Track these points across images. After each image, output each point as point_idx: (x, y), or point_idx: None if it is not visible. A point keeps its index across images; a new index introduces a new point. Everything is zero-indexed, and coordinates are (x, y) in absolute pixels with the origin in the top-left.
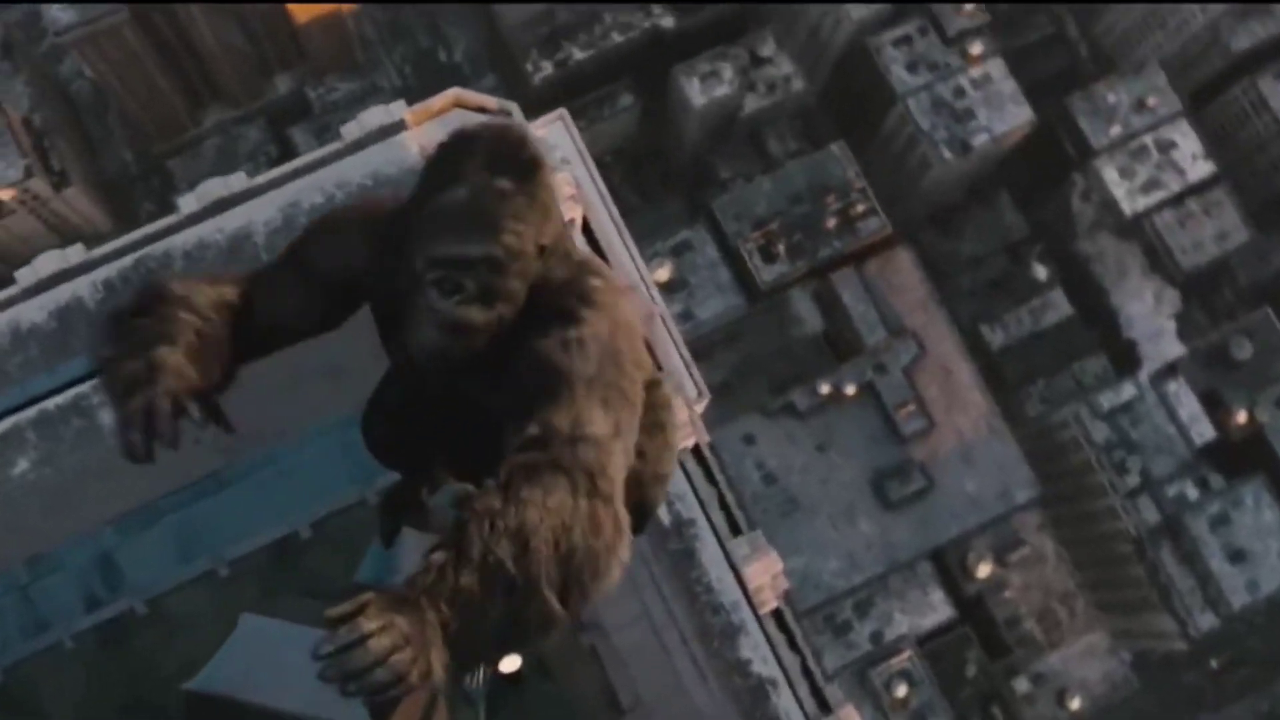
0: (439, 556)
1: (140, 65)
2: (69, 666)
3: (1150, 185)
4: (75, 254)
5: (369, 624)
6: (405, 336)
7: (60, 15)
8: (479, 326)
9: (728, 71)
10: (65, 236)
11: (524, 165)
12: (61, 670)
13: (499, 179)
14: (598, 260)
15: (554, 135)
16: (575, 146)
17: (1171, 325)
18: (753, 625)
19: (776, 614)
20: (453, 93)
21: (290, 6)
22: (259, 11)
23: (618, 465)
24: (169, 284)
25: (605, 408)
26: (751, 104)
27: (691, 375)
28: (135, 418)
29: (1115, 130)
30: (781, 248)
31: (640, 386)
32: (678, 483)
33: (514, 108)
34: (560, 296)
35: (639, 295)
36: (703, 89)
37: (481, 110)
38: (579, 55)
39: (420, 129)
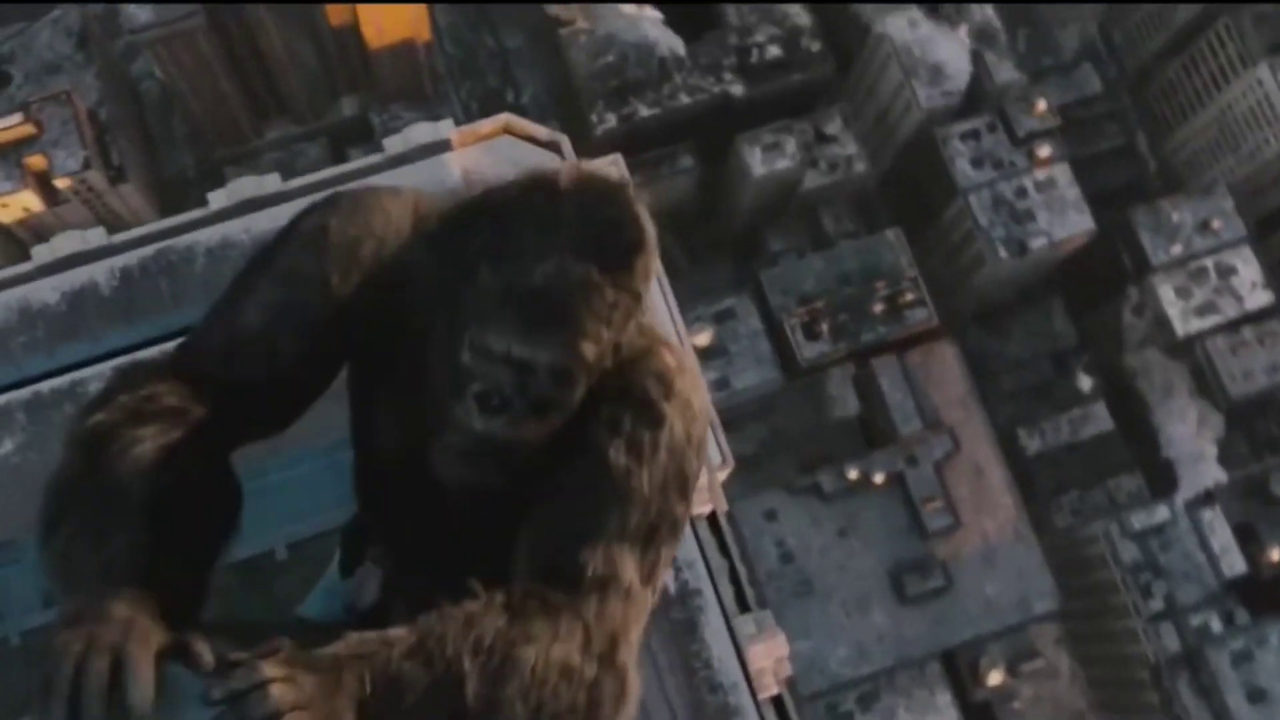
0: (398, 632)
1: (210, 71)
2: (14, 664)
3: (1206, 308)
4: (95, 237)
5: (272, 671)
6: (425, 440)
7: (138, 14)
8: (525, 446)
9: (791, 145)
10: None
11: (624, 248)
12: (7, 667)
13: (589, 264)
14: (657, 326)
15: None
16: None
17: (1213, 450)
18: (750, 710)
19: (776, 700)
20: (504, 118)
21: (366, 32)
22: (333, 31)
23: (643, 619)
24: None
25: (649, 544)
26: (811, 180)
27: (718, 440)
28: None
29: (1176, 249)
30: (825, 327)
31: (691, 502)
32: (688, 550)
33: (564, 140)
34: (635, 374)
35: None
36: (764, 159)
37: (532, 140)
38: (645, 112)
39: (465, 151)
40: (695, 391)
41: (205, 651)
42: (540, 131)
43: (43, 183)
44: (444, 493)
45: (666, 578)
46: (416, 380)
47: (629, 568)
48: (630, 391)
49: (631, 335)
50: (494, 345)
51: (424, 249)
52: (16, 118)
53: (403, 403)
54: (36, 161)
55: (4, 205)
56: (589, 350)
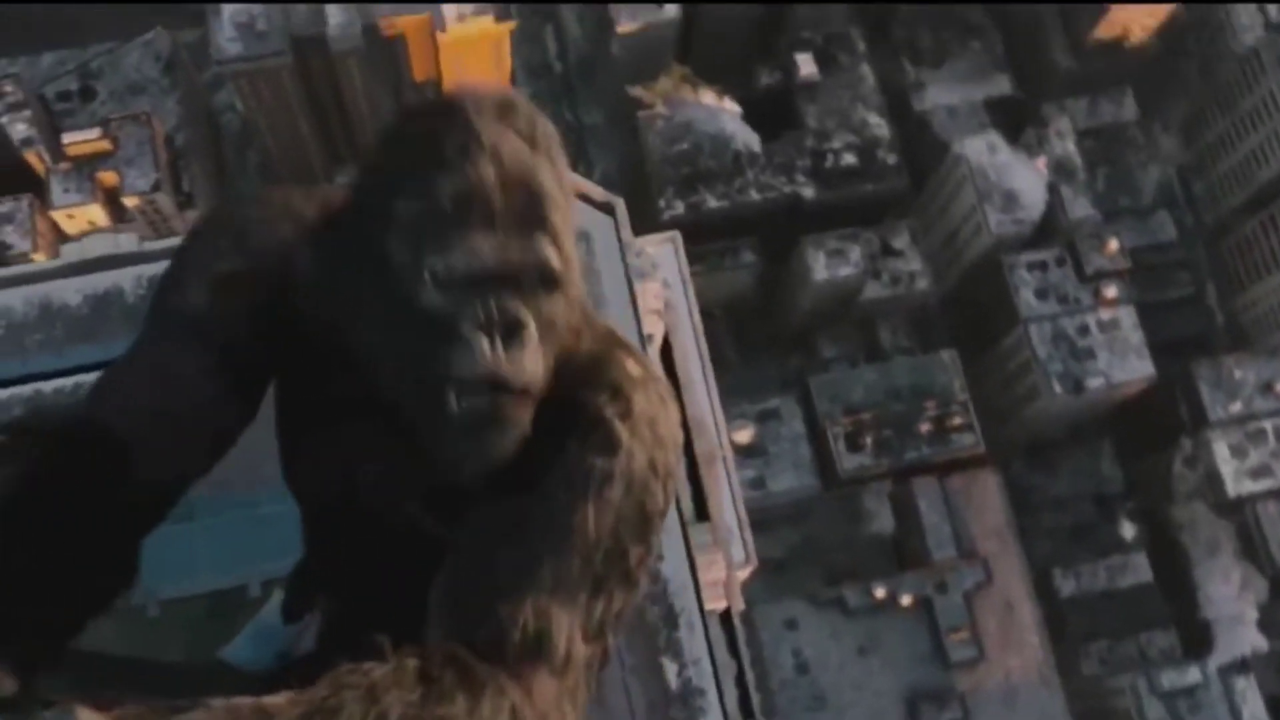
0: (278, 700)
1: (290, 110)
2: None
3: (1260, 471)
4: (127, 242)
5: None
6: (405, 437)
7: (228, 46)
8: (536, 387)
9: (856, 254)
10: None
11: (545, 135)
12: None
13: (523, 147)
14: (621, 332)
15: (662, 255)
16: (679, 269)
17: (1254, 615)
18: None
19: None
20: None
21: (447, 90)
22: (416, 86)
23: (584, 696)
24: None
25: (594, 598)
26: (872, 291)
27: (743, 537)
28: None
29: (1235, 407)
30: (869, 440)
31: (656, 543)
32: (695, 646)
33: (619, 203)
34: (586, 386)
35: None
36: (827, 264)
37: (585, 199)
38: (713, 203)
39: None
40: (663, 409)
41: (3, 681)
42: (596, 191)
43: (111, 199)
44: (388, 536)
45: (669, 672)
46: (351, 403)
47: (564, 628)
48: (578, 408)
49: (580, 328)
50: (466, 262)
51: (323, 229)
52: (95, 132)
53: (339, 432)
54: (108, 177)
55: (70, 216)
56: (566, 240)
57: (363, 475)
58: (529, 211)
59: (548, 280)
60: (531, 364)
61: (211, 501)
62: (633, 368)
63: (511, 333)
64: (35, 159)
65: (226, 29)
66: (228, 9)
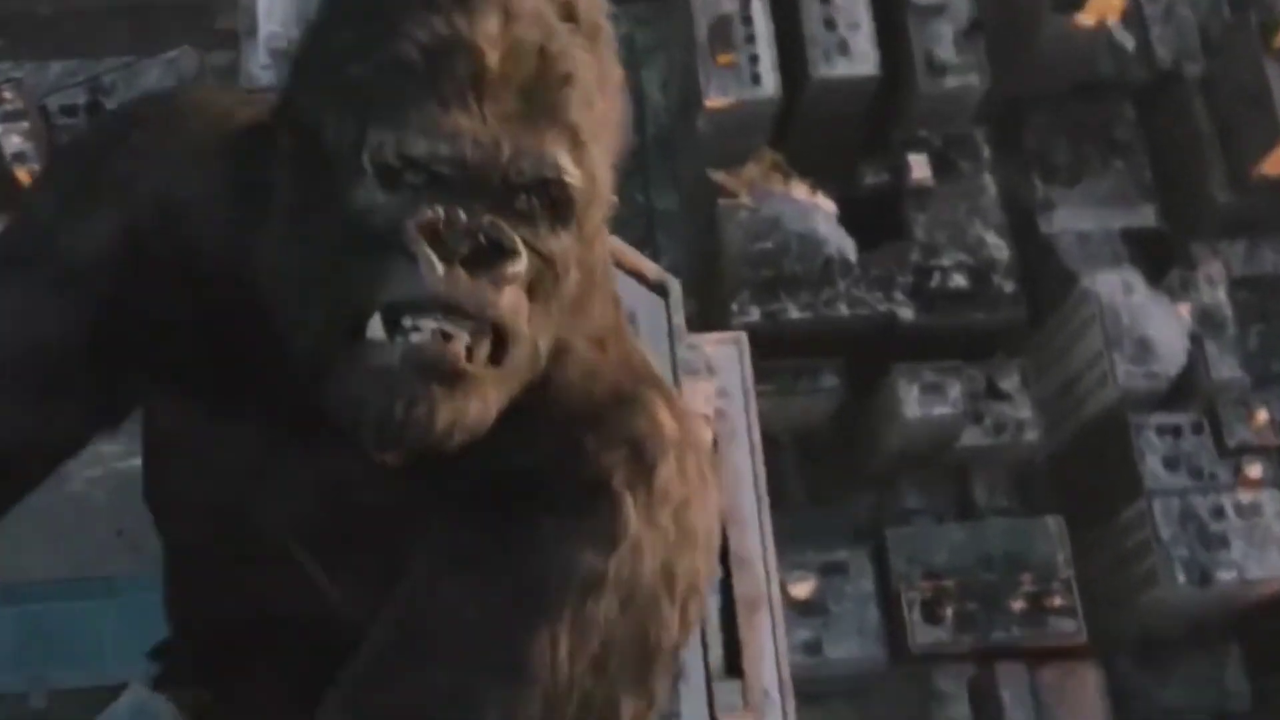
0: None
1: None
2: None
3: None
4: None
5: None
6: (320, 392)
7: (260, 74)
8: (515, 331)
9: (955, 391)
10: None
11: (588, 9)
12: None
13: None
14: (653, 360)
15: (722, 356)
16: (743, 377)
17: None
18: None
19: None
20: (613, 245)
21: None
22: None
23: None
24: None
25: None
26: (971, 438)
27: (784, 705)
28: None
29: None
30: (950, 611)
31: (660, 694)
32: None
33: (674, 284)
34: (593, 431)
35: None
36: (921, 400)
37: (638, 276)
38: (795, 314)
39: None
40: (700, 491)
41: None
42: (650, 268)
43: None
44: (277, 609)
45: None
46: (236, 391)
47: None
48: (574, 461)
49: (605, 336)
50: (429, 146)
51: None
52: None
53: (213, 435)
54: None
55: None
56: (595, 154)
57: (239, 492)
58: (542, 95)
59: (557, 202)
60: (509, 301)
61: (133, 579)
62: (666, 419)
63: (484, 258)
64: (26, 176)
65: (260, 55)
66: (264, 33)
